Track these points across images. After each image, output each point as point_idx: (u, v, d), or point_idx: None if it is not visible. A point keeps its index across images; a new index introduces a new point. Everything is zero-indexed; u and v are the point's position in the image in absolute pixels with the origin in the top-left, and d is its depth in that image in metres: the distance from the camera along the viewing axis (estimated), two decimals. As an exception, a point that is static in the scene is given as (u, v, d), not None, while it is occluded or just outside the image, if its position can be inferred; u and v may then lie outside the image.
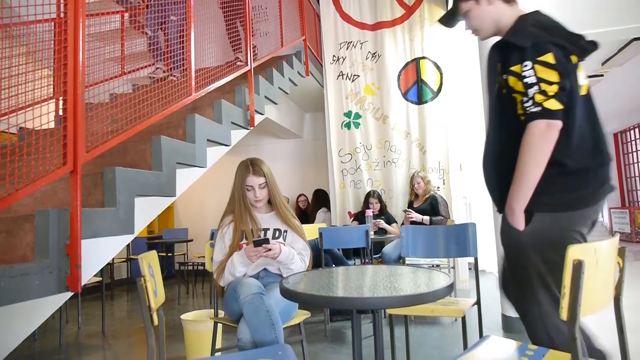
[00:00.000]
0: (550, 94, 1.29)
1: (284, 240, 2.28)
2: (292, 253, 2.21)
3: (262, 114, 3.47)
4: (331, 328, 3.47)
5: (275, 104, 3.81)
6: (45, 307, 1.84)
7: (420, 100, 5.00)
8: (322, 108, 5.49)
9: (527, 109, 1.32)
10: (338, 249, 4.09)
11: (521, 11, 1.51)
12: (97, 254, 2.00)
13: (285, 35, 4.09)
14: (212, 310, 2.37)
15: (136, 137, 2.33)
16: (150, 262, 1.43)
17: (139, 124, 1.98)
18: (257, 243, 2.04)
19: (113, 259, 5.48)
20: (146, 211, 2.48)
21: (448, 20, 1.64)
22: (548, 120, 1.29)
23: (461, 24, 1.72)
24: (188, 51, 2.45)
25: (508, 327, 3.15)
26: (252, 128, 3.21)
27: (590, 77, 7.01)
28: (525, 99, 1.32)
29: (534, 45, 1.33)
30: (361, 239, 3.41)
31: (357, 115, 5.24)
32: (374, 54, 5.22)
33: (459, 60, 4.99)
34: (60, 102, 1.69)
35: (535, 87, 1.30)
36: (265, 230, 2.25)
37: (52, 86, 2.03)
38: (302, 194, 6.18)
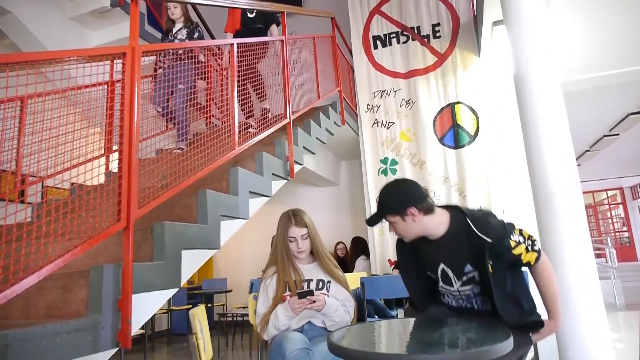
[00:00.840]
0: (533, 237, 1.71)
1: (328, 291, 2.25)
2: (337, 304, 2.17)
3: (301, 164, 3.53)
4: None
5: (313, 153, 3.88)
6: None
7: (457, 145, 4.97)
8: (357, 155, 5.53)
9: (535, 248, 1.68)
10: (380, 299, 3.98)
11: (441, 212, 1.74)
12: (144, 307, 2.02)
13: (321, 87, 4.21)
14: (256, 365, 2.32)
15: (182, 192, 2.41)
16: (199, 317, 1.44)
17: (187, 179, 2.05)
18: (302, 295, 2.02)
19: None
20: (191, 263, 2.52)
21: (372, 222, 1.76)
22: (544, 254, 1.72)
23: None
24: (232, 107, 2.56)
25: (569, 383, 2.91)
26: (292, 179, 3.26)
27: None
28: (528, 247, 1.67)
29: (504, 226, 1.68)
30: (404, 289, 3.30)
31: (394, 162, 5.24)
32: (408, 101, 5.28)
33: (495, 102, 4.97)
34: (112, 158, 1.79)
35: (528, 240, 1.69)
36: (309, 281, 2.23)
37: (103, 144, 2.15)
38: (340, 241, 6.12)
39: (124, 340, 1.58)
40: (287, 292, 2.18)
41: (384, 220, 1.73)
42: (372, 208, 5.20)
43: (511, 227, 1.67)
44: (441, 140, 5.05)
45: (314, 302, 2.03)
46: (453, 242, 1.70)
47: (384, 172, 5.26)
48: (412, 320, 1.92)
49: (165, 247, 1.90)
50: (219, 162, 2.32)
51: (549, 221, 3.11)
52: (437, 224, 1.71)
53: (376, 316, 3.81)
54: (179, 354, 5.30)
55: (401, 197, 1.70)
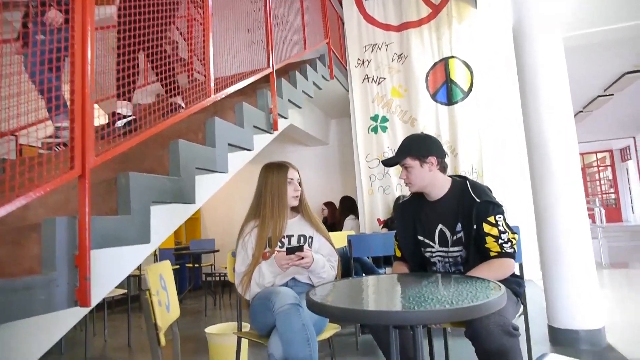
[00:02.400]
0: (514, 242, 1.73)
1: (310, 246, 2.12)
2: (324, 260, 2.05)
3: (286, 118, 3.33)
4: (363, 341, 3.26)
5: (299, 107, 3.67)
6: (60, 324, 1.72)
7: (450, 101, 4.78)
8: (347, 114, 5.33)
9: (505, 248, 1.71)
10: (368, 257, 3.89)
11: (446, 176, 1.85)
12: (113, 265, 1.87)
13: (309, 39, 3.95)
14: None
15: (155, 145, 2.22)
16: (161, 273, 1.29)
17: (154, 127, 1.86)
18: (290, 250, 1.88)
19: (140, 270, 5.43)
20: (167, 220, 2.35)
21: (390, 163, 1.86)
22: (513, 261, 1.75)
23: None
24: (207, 52, 2.33)
25: (556, 339, 2.87)
26: (275, 132, 3.08)
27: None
28: (500, 241, 1.70)
29: (497, 204, 1.75)
30: (391, 247, 3.19)
31: (384, 119, 5.05)
32: (400, 55, 5.03)
33: (490, 58, 4.74)
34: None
35: (506, 234, 1.71)
36: (289, 237, 2.09)
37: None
38: (328, 201, 6.00)
39: (82, 299, 1.43)
40: (267, 249, 2.05)
41: (401, 163, 1.82)
42: (362, 166, 5.06)
43: (500, 210, 1.74)
44: (434, 96, 4.85)
45: (302, 258, 1.91)
46: (451, 202, 1.80)
47: (374, 129, 5.08)
48: (400, 275, 1.80)
49: (130, 199, 1.72)
50: (191, 110, 2.12)
51: (543, 179, 2.98)
52: (442, 183, 1.83)
53: (363, 274, 3.72)
54: (166, 313, 5.23)
55: (428, 144, 1.82)
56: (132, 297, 5.73)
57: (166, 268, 1.32)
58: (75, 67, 1.48)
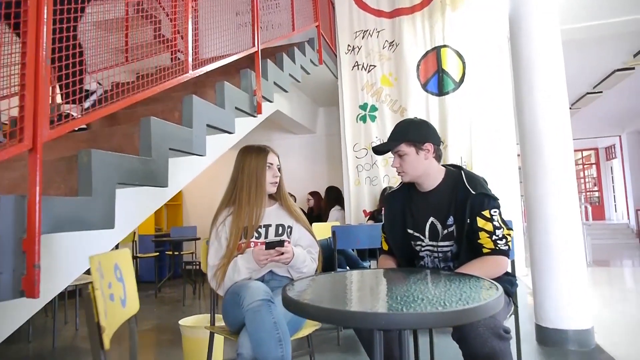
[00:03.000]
0: (509, 238, 1.62)
1: (289, 236, 1.98)
2: (304, 255, 1.91)
3: (271, 101, 3.17)
4: (344, 336, 3.14)
5: (286, 91, 3.50)
6: (10, 316, 1.57)
7: (441, 92, 4.65)
8: (336, 102, 5.18)
9: (499, 245, 1.59)
10: (353, 250, 3.77)
11: (441, 168, 1.74)
12: (73, 252, 1.71)
13: (297, 21, 3.78)
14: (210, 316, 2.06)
15: (128, 124, 2.05)
16: (117, 262, 1.13)
17: (122, 100, 1.68)
18: (270, 245, 1.73)
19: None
20: (139, 205, 2.20)
21: (382, 150, 1.73)
22: (507, 259, 1.62)
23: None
24: (185, 27, 2.16)
25: (543, 339, 2.78)
26: (260, 116, 2.91)
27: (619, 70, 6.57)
28: (495, 237, 1.58)
29: (493, 197, 1.63)
30: (377, 239, 3.06)
31: (374, 108, 4.90)
32: (392, 42, 4.88)
33: (483, 47, 4.61)
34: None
35: (500, 230, 1.60)
36: (267, 227, 1.94)
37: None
38: (313, 191, 5.85)
39: (29, 289, 1.26)
40: (243, 240, 1.90)
41: (395, 150, 1.69)
42: (349, 156, 4.92)
43: (496, 203, 1.63)
44: (424, 86, 4.72)
45: (282, 253, 1.76)
46: (443, 194, 1.68)
47: (363, 118, 4.93)
48: (387, 271, 1.66)
49: (92, 179, 1.55)
50: (165, 85, 1.94)
51: (535, 172, 2.87)
52: (436, 172, 1.71)
53: (347, 267, 3.60)
54: (146, 303, 5.06)
55: (425, 130, 1.71)
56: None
57: (123, 257, 1.16)
58: (28, 26, 1.30)
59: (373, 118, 4.89)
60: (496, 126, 4.56)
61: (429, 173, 1.70)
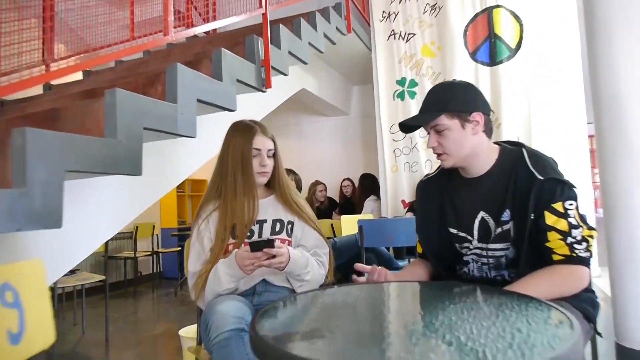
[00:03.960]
0: (591, 242, 1.25)
1: (289, 235, 1.64)
2: (306, 258, 1.56)
3: (285, 74, 2.82)
4: None
5: (305, 63, 3.14)
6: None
7: (493, 61, 4.14)
8: (372, 79, 4.77)
9: (576, 251, 1.23)
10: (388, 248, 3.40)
11: (493, 146, 1.40)
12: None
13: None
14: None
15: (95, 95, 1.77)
16: (8, 280, 0.83)
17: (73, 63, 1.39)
18: (255, 246, 1.40)
19: (136, 253, 5.13)
20: (135, 198, 1.98)
21: (412, 125, 1.39)
22: (588, 269, 1.25)
23: None
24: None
25: (624, 361, 2.30)
26: (271, 91, 2.58)
27: None
28: (570, 239, 1.23)
29: (569, 185, 1.27)
30: (414, 235, 2.69)
31: (413, 83, 4.47)
32: (434, 6, 4.40)
33: (545, 7, 4.04)
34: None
35: (579, 230, 1.24)
36: (261, 222, 1.62)
37: None
38: (346, 178, 5.49)
39: None
40: (232, 240, 1.58)
41: (427, 126, 1.36)
42: (385, 138, 4.52)
43: (573, 193, 1.26)
44: (473, 55, 4.22)
45: (274, 256, 1.43)
46: (497, 180, 1.33)
47: (401, 95, 4.51)
48: (412, 286, 1.30)
49: (27, 166, 1.27)
50: (134, 50, 1.64)
51: (616, 156, 2.36)
52: (487, 151, 1.37)
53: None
54: (164, 300, 4.93)
55: (471, 96, 1.36)
56: (116, 283, 5.47)
57: (21, 270, 0.86)
58: None
59: (412, 94, 4.46)
60: (561, 100, 3.99)
61: (477, 153, 1.35)
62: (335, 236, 4.14)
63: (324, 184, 5.39)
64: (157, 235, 5.71)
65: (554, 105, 3.97)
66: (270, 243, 1.40)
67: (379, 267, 1.42)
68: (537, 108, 3.97)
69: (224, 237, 1.57)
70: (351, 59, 4.92)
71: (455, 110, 1.32)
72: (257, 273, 1.54)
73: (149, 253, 5.52)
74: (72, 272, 3.92)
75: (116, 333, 3.60)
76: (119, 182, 1.99)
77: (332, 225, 4.44)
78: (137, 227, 5.16)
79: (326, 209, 5.36)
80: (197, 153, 2.55)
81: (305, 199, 5.43)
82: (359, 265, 1.38)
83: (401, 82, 4.51)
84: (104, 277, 3.44)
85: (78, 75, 2.97)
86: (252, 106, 3.10)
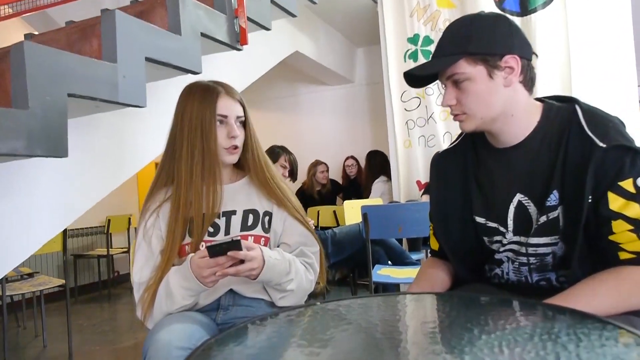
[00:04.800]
0: None
1: (265, 230, 1.40)
2: (287, 262, 1.32)
3: (268, 29, 2.54)
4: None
5: (293, 16, 2.85)
6: None
7: (525, 9, 3.83)
8: (379, 38, 4.48)
9: None
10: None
11: (535, 103, 1.15)
12: None
13: None
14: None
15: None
16: None
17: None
18: (216, 250, 1.15)
19: (109, 250, 4.94)
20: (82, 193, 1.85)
21: (421, 77, 1.18)
22: None
23: None
24: None
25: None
26: (243, 47, 2.30)
27: None
28: None
29: None
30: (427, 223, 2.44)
31: (428, 40, 4.17)
32: (452, -55, 4.07)
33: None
34: None
35: None
36: (229, 215, 1.38)
37: None
38: (350, 156, 5.24)
39: None
40: (188, 239, 1.34)
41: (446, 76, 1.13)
42: (396, 108, 4.25)
43: None
44: (500, 3, 3.91)
45: (242, 261, 1.18)
46: (539, 151, 1.10)
47: (413, 55, 4.22)
48: (424, 298, 1.07)
49: None
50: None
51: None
52: (525, 112, 1.12)
53: (389, 262, 2.99)
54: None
55: (503, 31, 1.10)
56: (88, 286, 5.29)
57: None
58: None
59: (427, 54, 4.16)
60: (607, 58, 3.67)
61: (511, 112, 1.11)
62: (338, 226, 3.91)
63: (326, 164, 5.16)
64: (135, 228, 5.51)
65: (598, 64, 3.65)
66: (235, 244, 1.15)
67: None
68: (579, 67, 3.66)
69: (177, 235, 1.33)
70: (354, 14, 4.68)
71: (480, 53, 1.08)
72: (222, 283, 1.29)
73: (126, 249, 5.32)
74: (30, 275, 3.74)
75: (83, 345, 3.41)
76: (59, 168, 1.79)
77: (335, 212, 4.22)
78: (109, 220, 4.95)
79: (328, 193, 5.13)
80: (163, 130, 2.31)
81: (304, 182, 5.27)
82: None
83: (413, 39, 4.23)
84: (64, 281, 3.22)
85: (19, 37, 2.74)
86: (230, 71, 2.85)
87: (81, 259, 5.14)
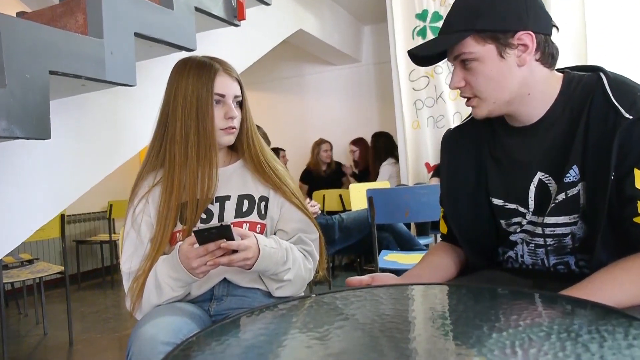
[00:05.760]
0: None
1: (262, 216, 1.33)
2: (284, 250, 1.26)
3: (267, 4, 2.44)
4: None
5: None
6: None
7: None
8: (386, 15, 4.37)
9: None
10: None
11: (553, 74, 1.05)
12: None
13: None
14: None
15: None
16: None
17: None
18: (204, 236, 1.07)
19: (111, 236, 4.91)
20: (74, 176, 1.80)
21: (426, 55, 1.07)
22: None
23: None
24: None
25: None
26: (241, 22, 2.21)
27: None
28: None
29: None
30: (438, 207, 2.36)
31: (437, 16, 4.08)
32: None
33: None
34: None
35: None
36: (222, 200, 1.33)
37: None
38: (358, 138, 5.16)
39: None
40: (180, 227, 1.28)
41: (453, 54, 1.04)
42: (404, 88, 4.17)
43: None
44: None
45: (234, 251, 1.11)
46: (560, 125, 1.02)
47: (422, 32, 4.12)
48: (430, 289, 0.99)
49: None
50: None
51: None
52: (544, 89, 1.03)
53: (398, 248, 2.92)
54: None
55: (516, 4, 1.00)
56: (90, 272, 5.29)
57: None
58: None
59: (436, 31, 3.99)
60: (625, 29, 3.54)
61: (527, 92, 1.03)
62: (345, 210, 3.84)
63: (330, 143, 5.10)
64: (137, 213, 5.49)
65: (615, 38, 3.52)
66: (225, 230, 1.07)
67: (379, 274, 1.13)
68: (595, 41, 3.53)
69: (168, 221, 1.26)
70: None
71: (490, 30, 0.99)
72: (215, 272, 1.23)
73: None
74: (29, 262, 3.71)
75: (84, 333, 3.39)
76: (47, 151, 1.72)
77: (341, 196, 4.15)
78: (111, 205, 4.92)
79: (333, 173, 5.07)
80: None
81: (309, 163, 5.20)
82: (351, 280, 1.09)
83: (422, 15, 4.12)
84: (63, 268, 3.18)
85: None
86: (230, 50, 2.76)
87: (83, 244, 5.11)
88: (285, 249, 1.25)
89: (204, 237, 1.07)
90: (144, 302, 1.21)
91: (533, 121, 1.05)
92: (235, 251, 1.11)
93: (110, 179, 2.10)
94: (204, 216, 1.30)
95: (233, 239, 1.08)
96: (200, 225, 1.22)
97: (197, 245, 1.08)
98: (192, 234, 1.08)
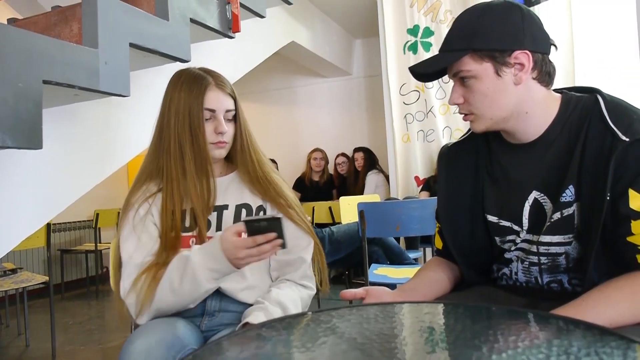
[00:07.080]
0: None
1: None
2: (288, 299, 1.30)
3: (262, 16, 2.45)
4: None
5: (289, 4, 2.78)
6: None
7: (529, 1, 3.74)
8: (377, 30, 4.41)
9: None
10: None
11: (550, 94, 1.07)
12: None
13: None
14: None
15: None
16: None
17: None
18: (254, 228, 1.05)
19: (97, 245, 4.85)
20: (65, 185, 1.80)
21: (425, 72, 1.11)
22: None
23: None
24: None
25: None
26: (235, 35, 2.22)
27: None
28: None
29: None
30: (431, 221, 2.36)
31: (428, 32, 4.11)
32: None
33: None
34: None
35: None
36: (220, 209, 1.33)
37: None
38: (341, 153, 5.20)
39: None
40: (190, 232, 1.29)
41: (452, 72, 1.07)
42: (395, 101, 4.17)
43: None
44: (503, -6, 3.82)
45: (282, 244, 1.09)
46: (556, 145, 1.05)
47: (413, 47, 4.15)
48: (424, 308, 0.98)
49: None
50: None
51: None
52: (542, 108, 1.06)
53: (388, 262, 2.92)
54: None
55: (513, 23, 1.03)
56: (75, 282, 5.21)
57: None
58: None
59: (427, 46, 4.09)
60: (612, 47, 3.61)
61: (525, 111, 1.05)
62: (334, 223, 3.84)
63: (322, 151, 5.13)
64: (123, 223, 5.43)
65: (602, 56, 3.59)
66: (275, 223, 1.05)
67: (373, 287, 1.13)
68: (583, 58, 3.59)
69: (174, 226, 1.24)
70: (352, 4, 4.65)
71: (487, 48, 1.01)
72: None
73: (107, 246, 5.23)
74: (12, 271, 3.65)
75: (67, 345, 3.33)
76: (38, 160, 1.70)
77: (330, 208, 4.14)
78: (97, 214, 4.86)
79: (325, 184, 5.09)
80: (153, 120, 2.25)
81: (304, 172, 5.21)
82: (345, 293, 1.09)
83: (413, 31, 4.16)
84: (47, 277, 3.13)
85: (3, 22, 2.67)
86: (223, 61, 2.77)
87: (68, 254, 5.04)
88: (290, 296, 1.26)
89: (254, 228, 1.05)
90: (157, 302, 1.16)
91: (530, 139, 1.06)
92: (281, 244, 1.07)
93: (96, 187, 2.08)
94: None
95: (282, 232, 1.05)
96: (248, 218, 1.19)
97: (244, 235, 1.07)
98: (243, 223, 1.05)
